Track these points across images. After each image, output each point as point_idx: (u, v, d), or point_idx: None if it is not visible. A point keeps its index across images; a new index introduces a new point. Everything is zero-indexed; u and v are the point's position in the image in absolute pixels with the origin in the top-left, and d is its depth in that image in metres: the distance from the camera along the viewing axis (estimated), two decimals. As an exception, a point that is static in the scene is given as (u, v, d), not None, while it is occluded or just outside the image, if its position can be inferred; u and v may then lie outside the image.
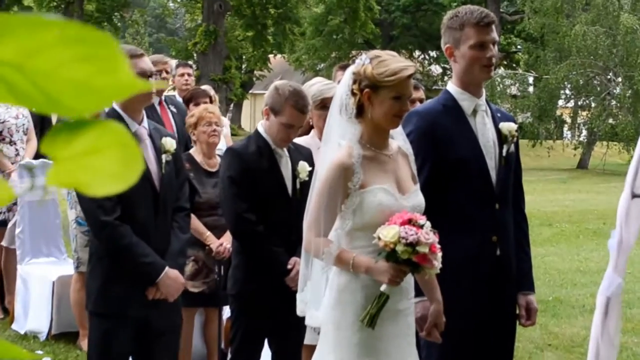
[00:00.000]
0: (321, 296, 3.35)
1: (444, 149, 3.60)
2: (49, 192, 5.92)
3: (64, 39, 0.51)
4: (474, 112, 3.68)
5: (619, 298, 2.25)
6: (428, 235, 3.09)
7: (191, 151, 5.57)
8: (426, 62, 43.98)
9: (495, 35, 3.63)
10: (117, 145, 0.54)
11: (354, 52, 38.93)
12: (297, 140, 4.57)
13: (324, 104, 4.52)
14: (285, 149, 4.36)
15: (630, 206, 2.22)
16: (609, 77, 30.42)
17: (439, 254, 3.13)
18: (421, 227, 3.10)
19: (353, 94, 3.26)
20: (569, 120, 34.14)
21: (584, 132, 33.11)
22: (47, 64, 0.53)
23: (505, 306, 3.73)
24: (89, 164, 0.55)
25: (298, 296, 3.46)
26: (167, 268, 4.09)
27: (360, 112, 3.27)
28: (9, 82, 0.54)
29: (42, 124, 7.70)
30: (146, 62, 4.15)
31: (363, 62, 3.27)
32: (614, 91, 30.26)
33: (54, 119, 8.00)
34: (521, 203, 3.87)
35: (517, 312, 3.80)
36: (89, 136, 0.53)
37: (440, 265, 3.14)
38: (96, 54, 0.52)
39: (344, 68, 5.03)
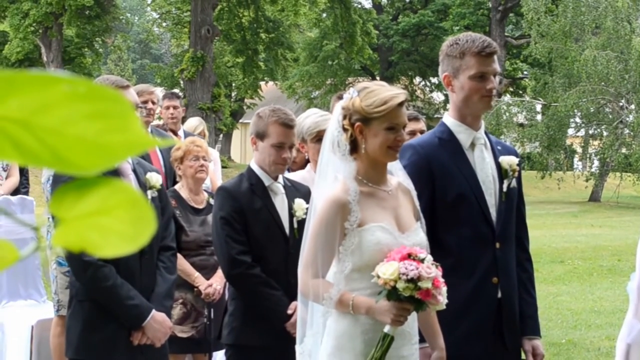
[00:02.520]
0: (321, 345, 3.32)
1: (440, 185, 3.60)
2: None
3: (73, 95, 0.52)
4: (472, 145, 3.69)
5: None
6: (430, 269, 3.09)
7: (176, 187, 5.57)
8: (427, 89, 44.18)
9: (496, 66, 3.66)
10: (126, 204, 0.55)
11: (350, 79, 39.10)
12: (293, 175, 4.57)
13: (319, 137, 4.53)
14: (280, 186, 4.37)
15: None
16: (621, 104, 30.56)
17: (444, 288, 3.12)
18: (422, 261, 3.10)
19: (344, 129, 3.29)
20: (579, 150, 34.22)
21: (596, 163, 33.17)
22: (54, 120, 0.54)
23: (509, 352, 3.70)
24: (97, 224, 0.55)
25: (297, 348, 3.43)
26: (153, 311, 4.08)
27: (354, 147, 3.30)
28: (13, 139, 0.55)
29: None
30: (132, 95, 4.19)
31: (351, 95, 3.31)
32: (627, 119, 30.36)
33: None
34: (525, 241, 3.85)
35: (523, 358, 3.79)
36: (97, 195, 0.55)
37: (446, 301, 3.14)
38: (106, 111, 0.53)
39: (342, 98, 5.05)
